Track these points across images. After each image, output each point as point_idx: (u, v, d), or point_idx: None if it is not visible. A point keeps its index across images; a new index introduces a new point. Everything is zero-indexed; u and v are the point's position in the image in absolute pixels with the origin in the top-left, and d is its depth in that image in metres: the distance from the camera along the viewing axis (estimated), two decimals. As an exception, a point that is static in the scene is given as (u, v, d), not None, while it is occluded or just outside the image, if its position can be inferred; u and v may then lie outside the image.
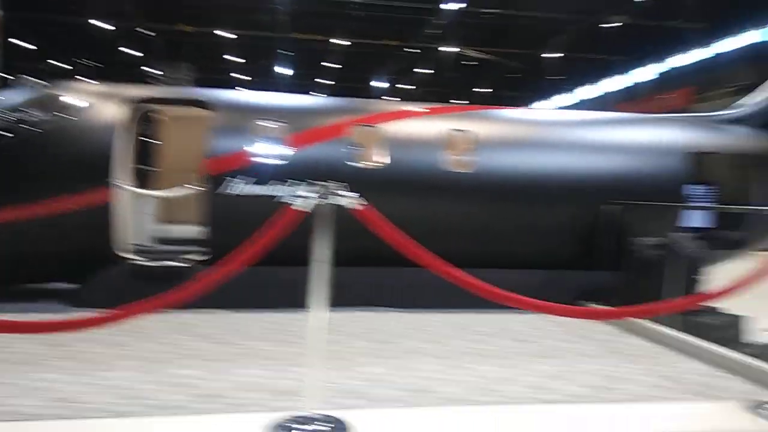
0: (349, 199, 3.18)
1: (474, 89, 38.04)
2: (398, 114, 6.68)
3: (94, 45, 30.94)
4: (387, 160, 6.38)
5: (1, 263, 5.61)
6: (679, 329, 5.50)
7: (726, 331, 6.07)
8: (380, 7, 26.80)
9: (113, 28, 27.47)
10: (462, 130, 6.70)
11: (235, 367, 4.29)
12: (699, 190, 6.99)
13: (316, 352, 3.16)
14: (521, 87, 37.63)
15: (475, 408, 3.69)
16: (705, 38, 26.43)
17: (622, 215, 6.67)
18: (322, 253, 3.13)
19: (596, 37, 28.84)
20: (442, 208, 6.51)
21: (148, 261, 6.09)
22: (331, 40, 30.20)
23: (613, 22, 26.08)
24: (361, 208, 3.20)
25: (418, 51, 30.66)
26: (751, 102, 7.69)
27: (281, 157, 6.14)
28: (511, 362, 4.73)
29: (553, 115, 7.74)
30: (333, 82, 37.61)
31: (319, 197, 3.11)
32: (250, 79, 36.30)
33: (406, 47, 30.79)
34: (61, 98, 5.96)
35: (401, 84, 37.85)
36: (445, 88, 36.79)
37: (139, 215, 6.60)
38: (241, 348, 4.83)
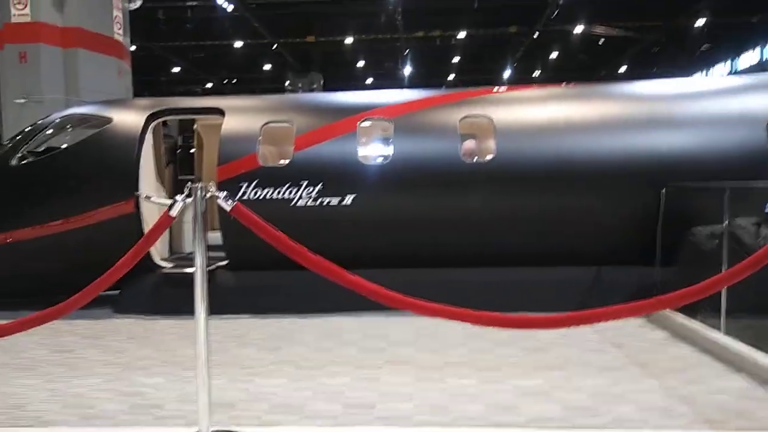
0: (219, 200, 3.01)
1: (610, 69, 35.23)
2: (404, 106, 6.26)
3: (235, 64, 33.72)
4: (389, 153, 6.05)
5: (47, 275, 6.13)
6: (753, 338, 4.48)
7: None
8: (495, -6, 25.86)
9: (240, 45, 29.64)
10: (478, 116, 6.10)
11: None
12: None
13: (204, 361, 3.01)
14: (666, 61, 34.07)
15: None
16: None
17: (685, 199, 5.64)
18: (202, 257, 3.00)
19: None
20: (468, 202, 5.98)
21: (178, 269, 6.36)
22: (453, 34, 29.80)
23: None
24: (228, 207, 3.00)
25: (537, 36, 29.04)
26: None
27: (289, 159, 6.08)
28: (499, 374, 4.18)
29: (606, 89, 6.77)
30: (455, 76, 37.14)
31: (184, 200, 2.98)
32: (373, 81, 37.12)
33: (529, 32, 29.36)
34: (91, 115, 6.47)
35: (529, 71, 36.23)
36: (577, 72, 34.52)
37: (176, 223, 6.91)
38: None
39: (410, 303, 3.01)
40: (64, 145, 6.57)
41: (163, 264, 6.39)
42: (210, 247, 7.64)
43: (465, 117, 6.18)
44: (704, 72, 35.95)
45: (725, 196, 4.80)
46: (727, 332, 4.50)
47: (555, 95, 6.68)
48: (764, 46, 30.65)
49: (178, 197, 3.07)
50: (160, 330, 5.54)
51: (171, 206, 3.08)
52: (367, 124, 6.33)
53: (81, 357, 4.71)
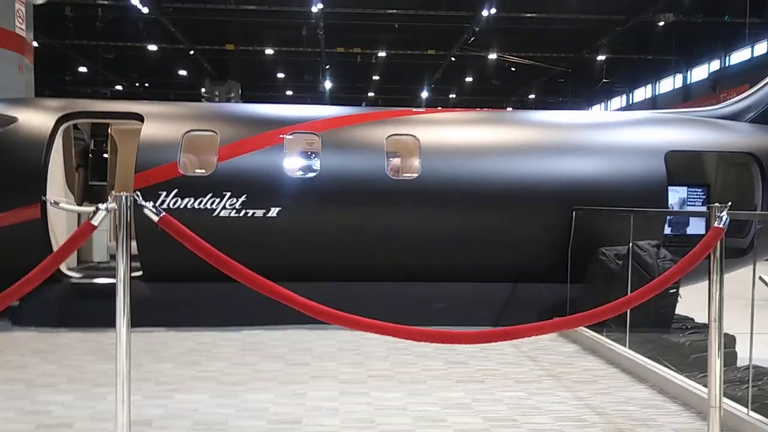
0: (147, 210, 2.90)
1: (520, 95, 37.11)
2: (332, 121, 6.32)
3: (148, 68, 32.39)
4: (316, 167, 6.10)
5: None
6: (653, 351, 4.85)
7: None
8: (416, 17, 26.58)
9: (155, 49, 28.53)
10: (403, 135, 6.27)
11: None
12: (682, 193, 6.25)
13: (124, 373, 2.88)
14: (570, 92, 36.34)
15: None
16: (762, 32, 24.64)
17: (592, 222, 6.03)
18: (125, 267, 2.87)
19: (645, 38, 27.48)
20: (391, 218, 6.09)
21: (87, 278, 6.00)
22: (373, 53, 30.25)
23: (660, 21, 24.70)
24: (156, 218, 2.90)
25: (454, 59, 30.12)
26: (750, 95, 6.83)
27: (209, 168, 5.95)
28: (422, 388, 4.26)
29: (523, 116, 7.18)
30: (373, 94, 37.67)
31: (109, 209, 2.86)
32: (292, 93, 36.93)
33: (446, 56, 30.37)
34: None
35: (444, 93, 37.40)
36: (489, 96, 36.07)
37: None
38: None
39: (343, 318, 3.02)
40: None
41: (71, 274, 6.00)
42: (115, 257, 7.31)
43: (391, 135, 6.31)
44: (603, 104, 38.70)
45: (629, 220, 5.18)
46: (631, 346, 4.84)
47: (477, 119, 6.97)
48: (656, 83, 33.50)
49: (101, 205, 2.93)
50: (65, 344, 5.19)
51: (93, 214, 2.93)
52: (294, 137, 6.30)
53: (-24, 374, 4.33)
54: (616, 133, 6.71)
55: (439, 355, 5.05)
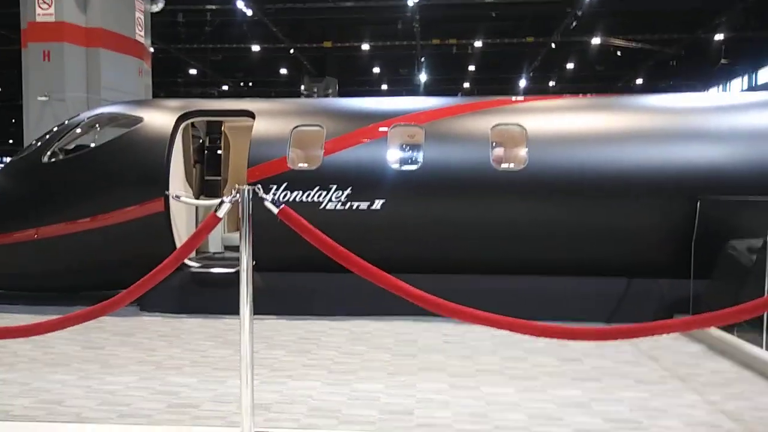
0: (267, 202, 2.98)
1: (626, 81, 35.13)
2: (434, 113, 6.23)
3: (251, 68, 33.93)
4: (420, 159, 6.07)
5: (75, 271, 6.16)
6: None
7: None
8: (514, 4, 25.84)
9: (257, 49, 29.77)
10: (510, 124, 6.07)
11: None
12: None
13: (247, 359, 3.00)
14: (683, 75, 33.91)
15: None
16: None
17: (718, 212, 5.56)
18: (246, 258, 2.98)
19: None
20: (498, 210, 5.93)
21: (205, 268, 6.34)
22: (469, 43, 29.80)
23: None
24: (276, 210, 2.97)
25: (554, 46, 28.99)
26: None
27: (316, 162, 6.08)
28: (535, 384, 4.11)
29: (639, 101, 6.69)
30: (469, 85, 37.12)
31: (232, 201, 2.96)
32: (387, 87, 37.21)
33: (546, 42, 29.33)
34: (121, 114, 6.48)
35: (543, 81, 36.17)
36: (592, 82, 34.43)
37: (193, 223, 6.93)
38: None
39: (463, 312, 2.96)
40: (95, 144, 6.59)
41: (190, 263, 6.37)
42: (228, 248, 7.68)
43: (496, 125, 6.15)
44: (722, 86, 35.80)
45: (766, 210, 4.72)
46: (768, 348, 4.42)
47: (587, 105, 6.63)
48: (783, 62, 30.45)
49: (225, 198, 3.05)
50: (187, 329, 5.52)
51: (218, 207, 3.05)
52: (397, 129, 6.31)
53: (113, 354, 4.69)
54: (742, 116, 6.15)
55: (550, 350, 4.87)
